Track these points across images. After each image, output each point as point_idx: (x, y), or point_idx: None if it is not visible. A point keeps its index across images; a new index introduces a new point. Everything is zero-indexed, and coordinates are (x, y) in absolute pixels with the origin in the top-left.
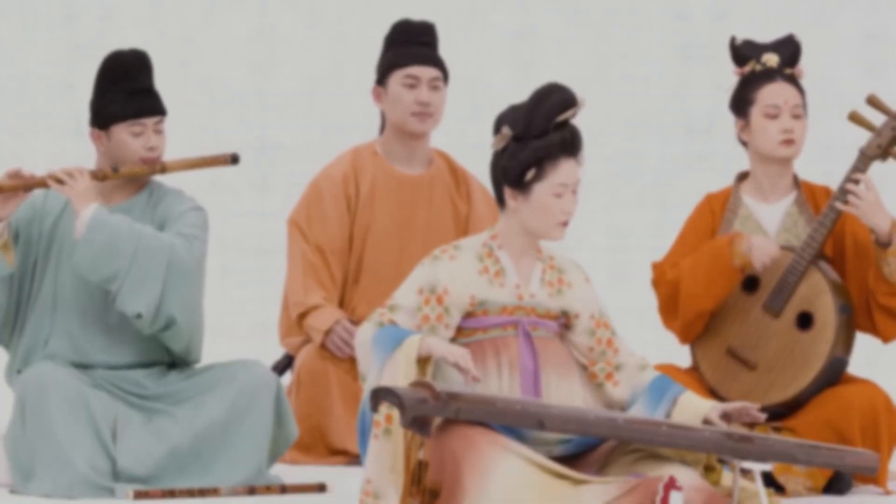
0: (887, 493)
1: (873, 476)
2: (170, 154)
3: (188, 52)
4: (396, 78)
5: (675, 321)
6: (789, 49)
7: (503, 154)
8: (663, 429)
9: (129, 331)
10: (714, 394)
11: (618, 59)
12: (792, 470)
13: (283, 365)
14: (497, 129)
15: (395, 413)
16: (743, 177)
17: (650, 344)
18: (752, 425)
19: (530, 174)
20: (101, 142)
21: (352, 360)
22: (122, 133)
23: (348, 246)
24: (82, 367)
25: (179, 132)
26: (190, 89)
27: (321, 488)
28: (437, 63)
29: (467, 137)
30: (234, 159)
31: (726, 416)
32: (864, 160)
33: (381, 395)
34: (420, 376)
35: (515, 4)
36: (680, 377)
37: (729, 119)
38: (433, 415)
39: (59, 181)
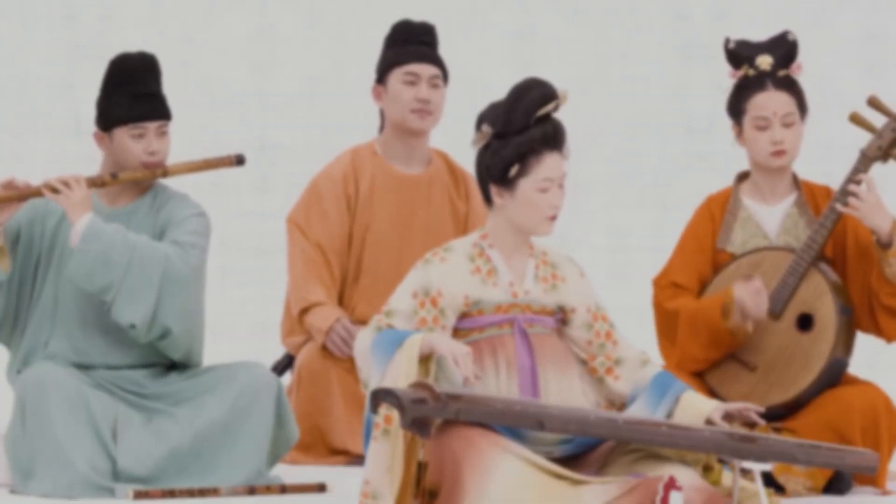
0: (885, 493)
1: (873, 475)
2: (170, 154)
3: (188, 52)
4: (396, 75)
5: (671, 353)
6: (783, 48)
7: (486, 152)
8: (663, 429)
9: (129, 333)
10: (714, 395)
11: (618, 59)
12: (792, 470)
13: (284, 365)
14: (478, 126)
15: (394, 414)
16: (743, 177)
17: (650, 344)
18: (752, 426)
19: (514, 170)
20: (103, 143)
21: (352, 360)
22: (124, 136)
23: (347, 245)
24: (82, 367)
25: (180, 133)
26: (190, 89)
27: (321, 488)
28: (437, 62)
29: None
30: (239, 160)
31: (728, 416)
32: (864, 161)
33: (380, 396)
34: (422, 376)
35: (515, 4)
36: (679, 377)
37: (729, 119)
38: (433, 416)
39: (55, 190)
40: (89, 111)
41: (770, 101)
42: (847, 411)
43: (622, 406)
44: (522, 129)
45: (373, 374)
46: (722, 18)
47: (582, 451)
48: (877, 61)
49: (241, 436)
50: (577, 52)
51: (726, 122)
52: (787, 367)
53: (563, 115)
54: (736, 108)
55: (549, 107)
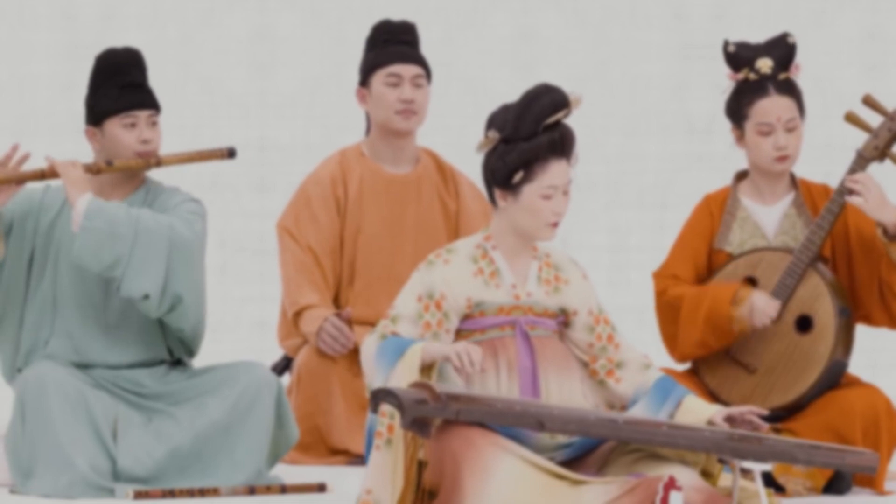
0: (883, 493)
1: (873, 476)
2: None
3: (188, 52)
4: (379, 77)
5: (674, 344)
6: (782, 50)
7: (493, 155)
8: (663, 429)
9: (129, 330)
10: (714, 397)
11: (618, 59)
12: (792, 470)
13: (282, 366)
14: (488, 127)
15: (397, 423)
16: (741, 176)
17: (650, 344)
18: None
19: (518, 176)
20: (95, 139)
21: (351, 359)
22: (116, 127)
23: (339, 248)
24: (82, 367)
25: (180, 132)
26: (190, 89)
27: (321, 488)
28: (419, 61)
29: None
30: (230, 153)
31: (731, 420)
32: (861, 162)
33: (380, 396)
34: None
35: (515, 4)
36: (679, 380)
37: (728, 121)
38: (433, 416)
39: (53, 171)
40: None
41: (773, 107)
42: (848, 413)
43: (623, 409)
44: (530, 136)
45: (376, 383)
46: (722, 18)
47: (582, 452)
48: (877, 61)
49: (242, 436)
50: (577, 52)
51: (726, 122)
52: (786, 369)
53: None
54: (737, 112)
55: (559, 115)
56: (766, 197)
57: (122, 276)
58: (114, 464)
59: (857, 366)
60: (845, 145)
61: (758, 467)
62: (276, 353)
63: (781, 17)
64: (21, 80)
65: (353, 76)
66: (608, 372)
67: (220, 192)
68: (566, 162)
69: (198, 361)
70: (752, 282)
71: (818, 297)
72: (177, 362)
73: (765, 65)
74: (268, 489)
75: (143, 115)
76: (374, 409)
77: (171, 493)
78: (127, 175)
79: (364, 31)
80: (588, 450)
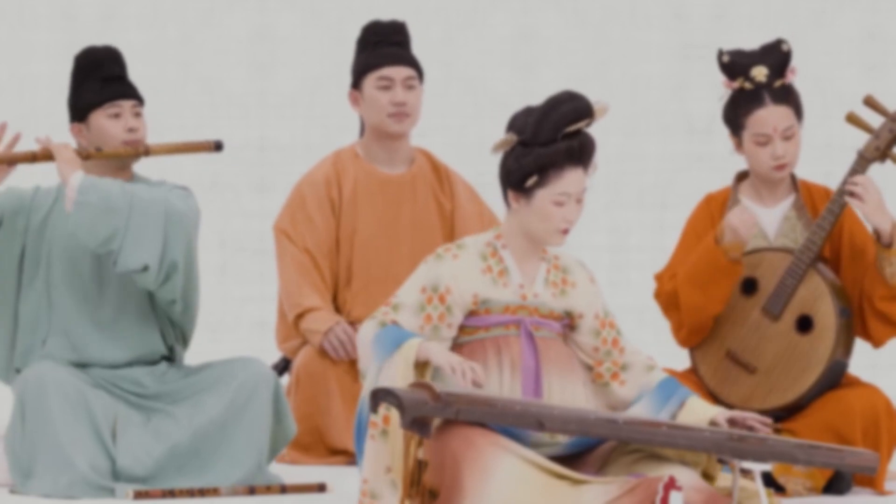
0: (883, 493)
1: (873, 476)
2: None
3: (188, 52)
4: (370, 81)
5: (680, 330)
6: (776, 57)
7: (510, 156)
8: (663, 429)
9: (123, 325)
10: (713, 397)
11: (618, 59)
12: (792, 470)
13: (281, 368)
14: (508, 128)
15: (393, 414)
16: (742, 177)
17: (650, 344)
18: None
19: (532, 181)
20: (81, 135)
21: (350, 361)
22: (101, 118)
23: (335, 249)
24: (81, 366)
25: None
26: (190, 89)
27: (321, 488)
28: (411, 62)
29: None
30: (217, 146)
31: (733, 423)
32: (862, 163)
33: (380, 396)
34: (418, 379)
35: (515, 4)
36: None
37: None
38: (433, 415)
39: (46, 152)
40: None
41: (770, 117)
42: (848, 413)
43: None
44: (548, 142)
45: (370, 369)
46: (722, 18)
47: (582, 451)
48: (877, 61)
49: (240, 432)
50: (577, 52)
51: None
52: (786, 369)
53: None
54: (734, 122)
55: (580, 124)
56: (767, 200)
57: (119, 248)
58: (113, 463)
59: (857, 366)
60: (845, 146)
61: (758, 467)
62: (275, 354)
63: (781, 17)
64: (21, 80)
65: None
66: (613, 375)
67: (220, 192)
68: (583, 170)
69: (198, 361)
70: (752, 282)
71: (819, 298)
72: (171, 351)
73: (760, 73)
74: (268, 489)
75: (126, 104)
76: (374, 409)
77: (171, 493)
78: (115, 168)
79: None
80: (588, 448)
